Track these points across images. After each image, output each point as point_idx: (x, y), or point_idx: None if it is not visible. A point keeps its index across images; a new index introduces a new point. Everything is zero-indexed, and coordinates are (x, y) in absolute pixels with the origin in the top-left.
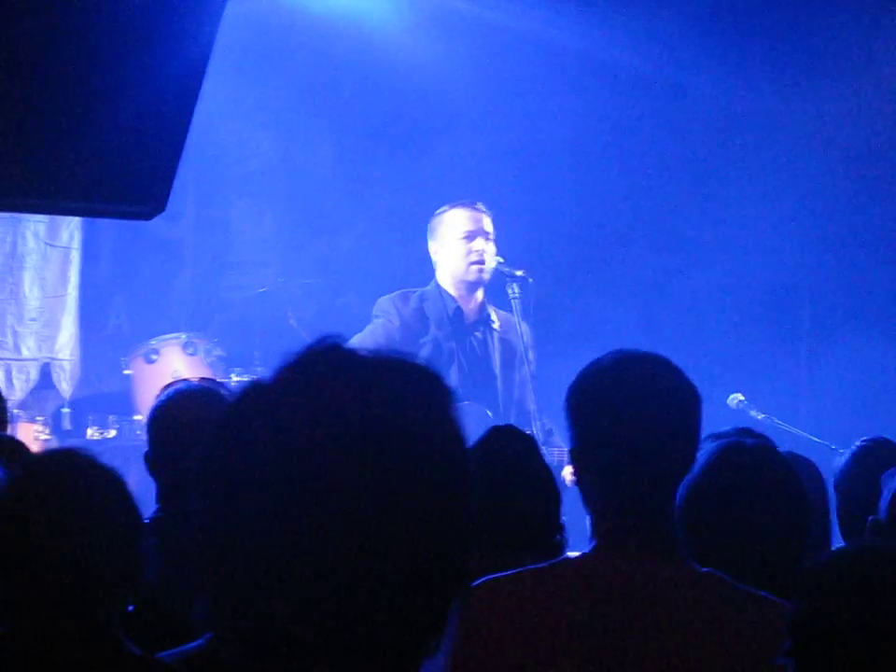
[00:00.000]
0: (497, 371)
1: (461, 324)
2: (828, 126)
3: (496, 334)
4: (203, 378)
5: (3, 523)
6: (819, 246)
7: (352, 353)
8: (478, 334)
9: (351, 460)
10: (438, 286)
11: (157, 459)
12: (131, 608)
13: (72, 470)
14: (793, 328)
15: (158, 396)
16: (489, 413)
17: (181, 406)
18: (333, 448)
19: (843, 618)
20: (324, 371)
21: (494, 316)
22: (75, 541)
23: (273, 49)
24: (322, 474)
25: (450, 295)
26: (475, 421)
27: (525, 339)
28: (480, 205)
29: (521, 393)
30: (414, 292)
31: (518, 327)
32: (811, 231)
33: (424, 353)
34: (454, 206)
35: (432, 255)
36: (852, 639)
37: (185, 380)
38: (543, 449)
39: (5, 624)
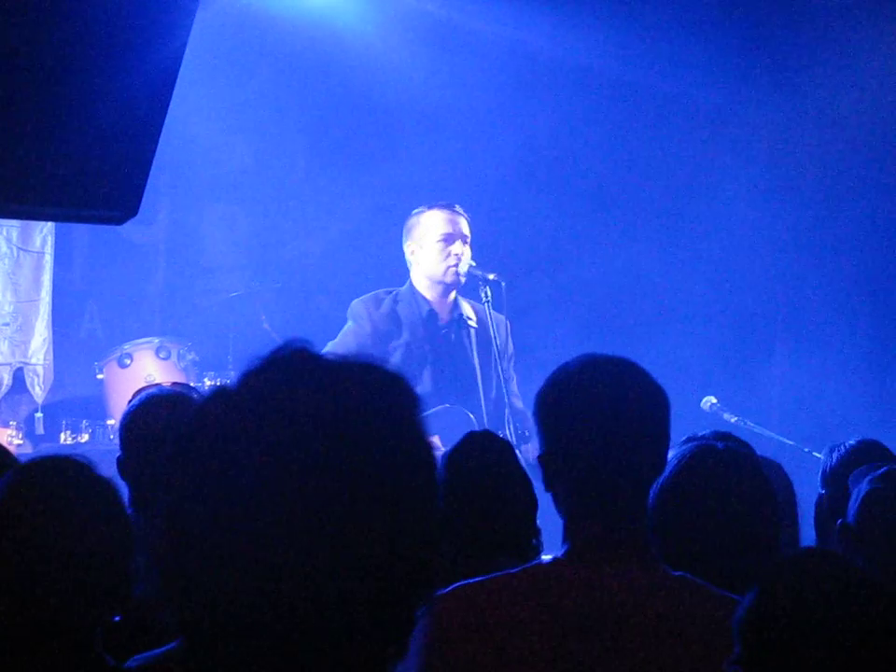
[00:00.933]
0: (477, 368)
1: (435, 326)
2: (806, 132)
3: (472, 331)
4: (174, 383)
5: None
6: (792, 250)
7: (316, 358)
8: (452, 335)
9: (312, 466)
10: (412, 287)
11: (129, 463)
12: (116, 618)
13: (66, 480)
14: (767, 331)
15: (130, 401)
16: (471, 415)
17: (152, 411)
18: (295, 453)
19: (789, 626)
20: (288, 377)
21: (469, 312)
22: (65, 554)
23: (246, 53)
24: (283, 480)
25: (424, 297)
26: (456, 424)
27: (501, 330)
28: (458, 208)
29: (498, 391)
30: (390, 293)
31: (490, 319)
32: (785, 234)
33: (395, 357)
34: (432, 207)
35: (408, 255)
36: (797, 648)
37: (157, 385)
38: (519, 450)
39: None
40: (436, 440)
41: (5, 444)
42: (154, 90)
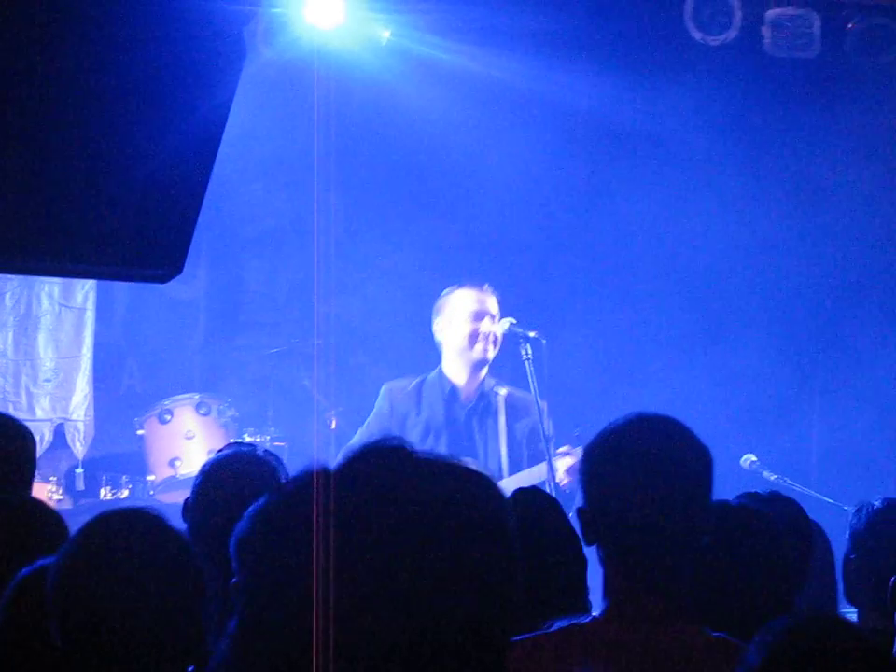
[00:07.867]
0: (502, 447)
1: (457, 404)
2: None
3: (500, 412)
4: (266, 451)
5: (67, 585)
6: (831, 305)
7: (410, 452)
8: (476, 414)
9: (407, 550)
10: (440, 371)
11: (195, 508)
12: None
13: (140, 533)
14: (805, 388)
15: (220, 449)
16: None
17: (238, 468)
18: (391, 536)
19: None
20: (385, 467)
21: (501, 394)
22: (139, 606)
23: (286, 109)
24: (381, 563)
25: (448, 379)
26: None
27: (539, 414)
28: (487, 287)
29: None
30: (417, 377)
31: (535, 404)
32: (824, 285)
33: (413, 435)
34: (461, 287)
35: (437, 334)
36: None
37: (251, 444)
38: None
39: None
40: None
41: (45, 500)
42: (200, 145)
